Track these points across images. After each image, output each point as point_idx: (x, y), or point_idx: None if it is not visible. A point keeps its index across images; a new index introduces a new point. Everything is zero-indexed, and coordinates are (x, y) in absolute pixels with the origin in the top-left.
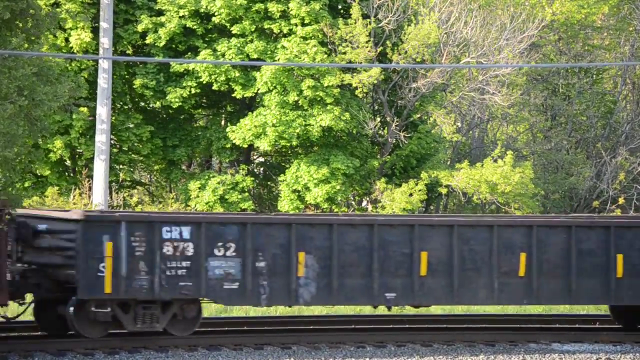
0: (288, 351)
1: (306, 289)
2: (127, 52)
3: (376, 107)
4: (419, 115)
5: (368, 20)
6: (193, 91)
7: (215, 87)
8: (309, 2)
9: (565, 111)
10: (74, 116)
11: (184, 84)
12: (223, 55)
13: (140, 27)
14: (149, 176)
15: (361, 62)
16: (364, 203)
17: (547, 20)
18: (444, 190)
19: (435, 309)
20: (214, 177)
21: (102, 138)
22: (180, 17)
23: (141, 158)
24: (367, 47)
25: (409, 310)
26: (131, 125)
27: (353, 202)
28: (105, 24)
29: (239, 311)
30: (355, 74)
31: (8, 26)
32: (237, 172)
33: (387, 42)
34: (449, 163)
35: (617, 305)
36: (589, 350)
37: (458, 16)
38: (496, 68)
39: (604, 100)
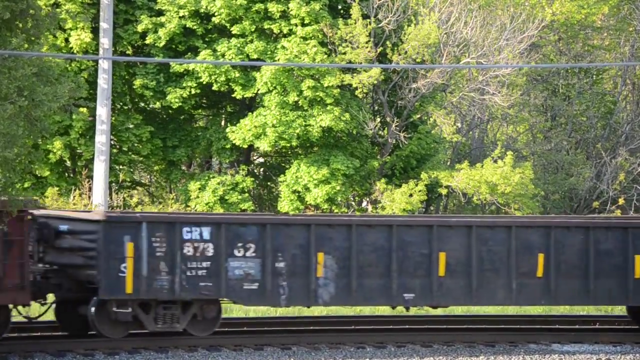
0: (288, 352)
1: (325, 289)
2: (127, 52)
3: (376, 108)
4: (419, 116)
5: (368, 20)
6: (193, 91)
7: (215, 87)
8: (309, 3)
9: (565, 112)
10: (73, 117)
11: (183, 85)
12: (223, 55)
13: (140, 28)
14: (148, 177)
15: (361, 63)
16: (364, 203)
17: (547, 20)
18: (444, 191)
19: (436, 309)
20: (213, 177)
21: (102, 139)
22: (180, 18)
23: (141, 158)
24: (367, 47)
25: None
26: (131, 126)
27: (353, 203)
28: (105, 24)
29: (238, 311)
30: (355, 75)
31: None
32: (237, 172)
33: (387, 42)
34: (449, 163)
35: (634, 305)
36: (589, 350)
37: (458, 16)
38: (496, 68)
39: (604, 101)
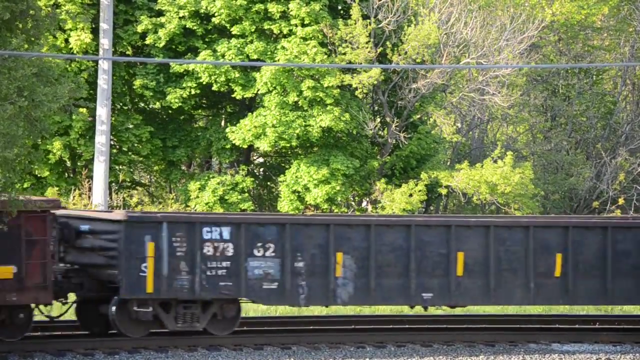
0: (288, 351)
1: (344, 289)
2: (127, 52)
3: (376, 108)
4: (419, 116)
5: (368, 20)
6: (193, 92)
7: (215, 87)
8: (309, 3)
9: (565, 112)
10: (73, 117)
11: (183, 85)
12: (223, 55)
13: (140, 28)
14: (148, 177)
15: (361, 63)
16: (364, 204)
17: (547, 21)
18: (443, 191)
19: (436, 309)
20: (213, 177)
21: (101, 139)
22: (180, 18)
23: (141, 159)
24: (367, 47)
25: (408, 310)
26: (131, 126)
27: (353, 203)
28: (105, 25)
29: None
30: (355, 75)
31: (8, 27)
32: (237, 172)
33: (387, 42)
34: (448, 164)
35: None
36: (589, 350)
37: (458, 17)
38: (496, 69)
39: (603, 101)
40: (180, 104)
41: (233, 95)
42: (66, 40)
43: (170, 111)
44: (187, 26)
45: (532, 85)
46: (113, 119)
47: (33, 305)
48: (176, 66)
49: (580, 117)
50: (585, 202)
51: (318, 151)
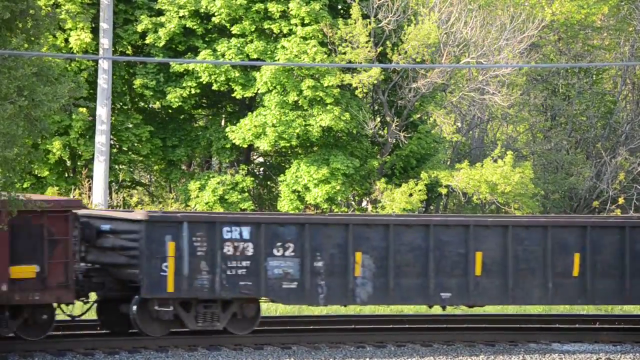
0: (288, 351)
1: (363, 288)
2: (127, 52)
3: (376, 107)
4: (419, 116)
5: (368, 20)
6: (193, 91)
7: (215, 87)
8: (309, 2)
9: (565, 111)
10: (73, 117)
11: (183, 84)
12: (223, 55)
13: (140, 27)
14: (148, 176)
15: (361, 62)
16: (364, 203)
17: (547, 20)
18: (443, 191)
19: (436, 309)
20: (213, 177)
21: (101, 138)
22: (180, 17)
23: (141, 158)
24: (367, 47)
25: (408, 310)
26: (131, 126)
27: (353, 202)
28: (105, 25)
29: None
30: (355, 74)
31: (8, 26)
32: (237, 172)
33: (387, 42)
34: (448, 163)
35: None
36: (589, 350)
37: (458, 16)
38: (496, 68)
39: (603, 101)
40: (180, 104)
41: (233, 95)
42: (66, 40)
43: (170, 111)
44: (187, 26)
45: (532, 85)
46: (113, 118)
47: (55, 305)
48: (176, 66)
49: (580, 116)
50: (585, 201)
51: (318, 151)
